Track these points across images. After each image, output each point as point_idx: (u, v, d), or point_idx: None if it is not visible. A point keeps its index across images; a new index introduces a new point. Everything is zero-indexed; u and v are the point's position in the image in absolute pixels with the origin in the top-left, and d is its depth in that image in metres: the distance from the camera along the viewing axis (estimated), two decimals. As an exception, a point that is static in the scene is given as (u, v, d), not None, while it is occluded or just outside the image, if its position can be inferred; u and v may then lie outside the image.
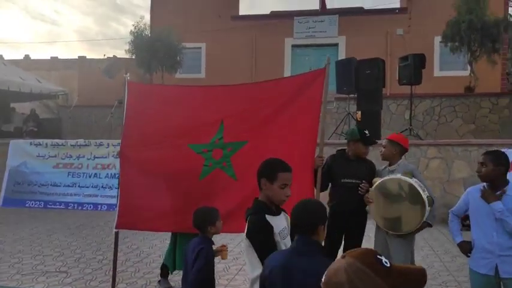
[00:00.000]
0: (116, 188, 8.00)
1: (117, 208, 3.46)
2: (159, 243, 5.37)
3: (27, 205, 8.25)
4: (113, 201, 8.03)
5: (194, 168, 3.28)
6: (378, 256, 1.00)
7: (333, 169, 3.27)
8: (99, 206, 7.99)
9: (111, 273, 4.13)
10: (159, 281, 3.74)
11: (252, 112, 3.25)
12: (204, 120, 3.32)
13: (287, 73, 15.12)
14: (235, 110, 3.28)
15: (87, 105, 15.11)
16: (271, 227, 1.80)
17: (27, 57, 21.16)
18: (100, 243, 5.34)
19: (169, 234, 5.06)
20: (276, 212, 1.98)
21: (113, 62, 21.59)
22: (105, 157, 8.21)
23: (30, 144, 8.63)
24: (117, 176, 8.04)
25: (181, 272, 3.68)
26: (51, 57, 21.05)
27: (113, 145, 8.24)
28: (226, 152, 3.23)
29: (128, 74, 3.63)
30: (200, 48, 16.32)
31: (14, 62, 16.87)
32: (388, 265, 0.99)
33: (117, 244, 3.50)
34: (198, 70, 16.33)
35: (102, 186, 8.11)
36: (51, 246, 5.16)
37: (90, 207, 8.01)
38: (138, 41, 13.83)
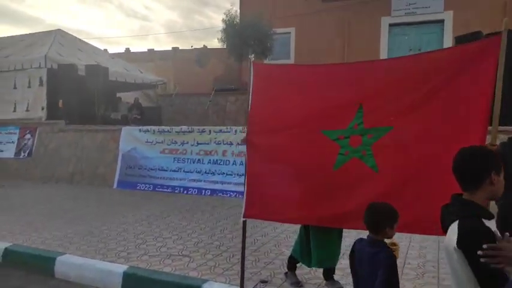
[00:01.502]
0: (217, 174, 8.19)
1: (245, 197, 3.31)
2: (270, 231, 5.25)
3: (138, 188, 8.84)
4: (216, 186, 8.24)
5: (328, 156, 2.99)
6: None
7: (506, 160, 2.72)
8: (203, 190, 8.23)
9: (232, 260, 4.11)
10: (285, 273, 3.56)
11: (397, 92, 2.83)
12: (339, 102, 2.99)
13: (383, 56, 14.11)
14: (376, 90, 2.89)
15: (182, 93, 15.80)
16: (493, 237, 1.40)
17: (127, 50, 22.92)
18: (213, 228, 5.39)
19: (280, 223, 4.95)
20: (491, 215, 1.58)
21: (203, 52, 22.38)
22: (208, 143, 8.40)
23: (140, 130, 9.19)
24: (219, 161, 8.32)
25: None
26: (148, 50, 22.51)
27: (214, 131, 8.40)
28: (367, 139, 2.87)
29: (253, 55, 3.44)
30: (289, 33, 16.00)
31: (117, 55, 18.28)
32: None
33: (245, 234, 3.38)
34: (287, 56, 16.02)
35: (205, 172, 8.34)
36: (169, 229, 5.34)
37: (195, 191, 8.29)
38: (230, 29, 13.95)
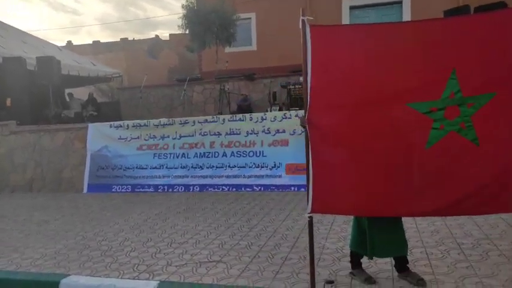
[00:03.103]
0: (206, 167, 7.55)
1: (311, 189, 2.80)
2: (292, 223, 4.82)
3: (113, 190, 7.94)
4: (206, 181, 7.60)
5: (418, 133, 2.57)
6: None
7: None
8: (191, 187, 7.57)
9: (274, 261, 3.64)
10: (351, 273, 3.13)
11: (498, 52, 2.48)
12: (426, 68, 2.57)
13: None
14: (470, 52, 2.50)
15: (138, 86, 14.67)
16: None
17: (69, 43, 20.97)
18: (228, 227, 4.83)
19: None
20: None
21: (155, 42, 21.15)
22: (192, 135, 7.71)
23: (110, 126, 8.24)
24: (206, 154, 7.67)
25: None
26: (93, 42, 20.79)
27: (199, 122, 7.73)
28: (466, 109, 2.50)
29: (307, 17, 2.87)
30: (250, 18, 15.47)
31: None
32: None
33: (312, 233, 2.92)
34: (248, 42, 15.54)
35: (192, 167, 7.67)
36: (178, 232, 4.70)
37: (181, 189, 7.60)
38: (191, 14, 13.12)
